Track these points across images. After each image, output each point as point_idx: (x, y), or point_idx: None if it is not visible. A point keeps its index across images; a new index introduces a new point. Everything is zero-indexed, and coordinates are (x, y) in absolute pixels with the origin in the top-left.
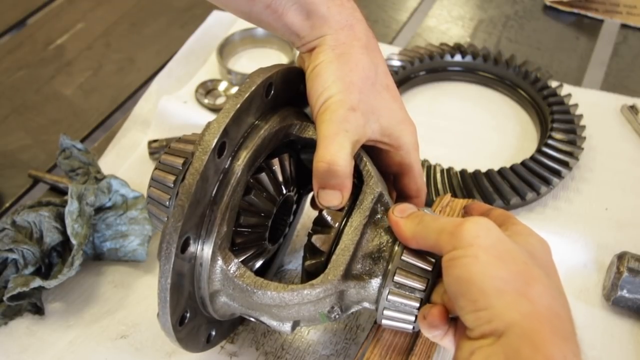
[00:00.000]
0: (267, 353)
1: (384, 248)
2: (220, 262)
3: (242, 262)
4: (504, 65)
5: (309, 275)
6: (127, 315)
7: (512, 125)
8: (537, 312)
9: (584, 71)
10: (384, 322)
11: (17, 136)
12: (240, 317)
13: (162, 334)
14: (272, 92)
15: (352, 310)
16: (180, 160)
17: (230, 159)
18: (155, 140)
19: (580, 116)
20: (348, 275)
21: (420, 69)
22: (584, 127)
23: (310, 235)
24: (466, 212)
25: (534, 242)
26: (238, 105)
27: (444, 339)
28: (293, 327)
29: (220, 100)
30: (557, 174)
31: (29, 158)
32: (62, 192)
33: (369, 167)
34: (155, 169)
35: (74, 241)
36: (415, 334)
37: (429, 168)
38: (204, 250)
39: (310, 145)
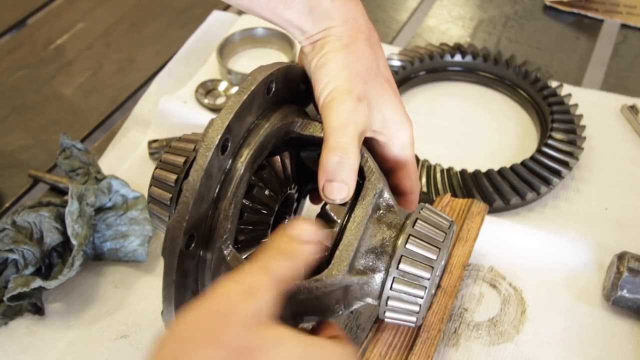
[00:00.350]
0: None
1: (387, 243)
2: (224, 259)
3: (245, 259)
4: (504, 65)
5: (313, 270)
6: (127, 315)
7: (512, 125)
8: None
9: (584, 71)
10: (387, 314)
11: (17, 136)
12: None
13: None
14: (273, 89)
15: (355, 306)
16: (181, 159)
17: (232, 156)
18: (155, 140)
19: (580, 116)
20: (352, 270)
21: (420, 69)
22: (584, 127)
23: None
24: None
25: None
26: (241, 102)
27: None
28: (296, 324)
29: (220, 100)
30: (557, 174)
31: (29, 158)
32: (62, 192)
33: (370, 163)
34: (157, 167)
35: (74, 241)
36: (415, 334)
37: (429, 168)
38: (208, 247)
39: (311, 143)
